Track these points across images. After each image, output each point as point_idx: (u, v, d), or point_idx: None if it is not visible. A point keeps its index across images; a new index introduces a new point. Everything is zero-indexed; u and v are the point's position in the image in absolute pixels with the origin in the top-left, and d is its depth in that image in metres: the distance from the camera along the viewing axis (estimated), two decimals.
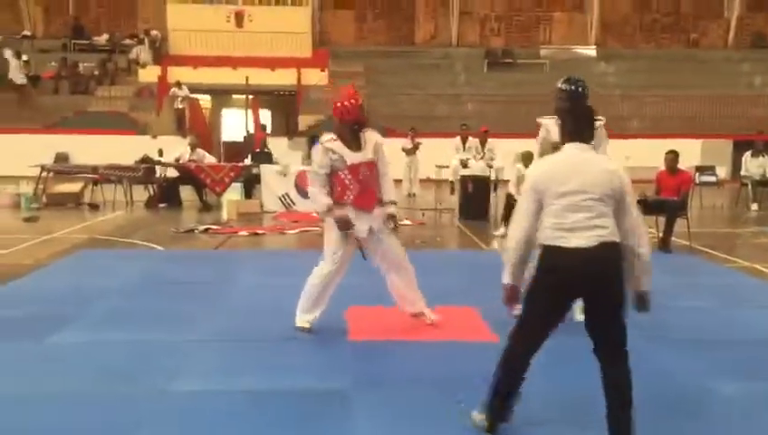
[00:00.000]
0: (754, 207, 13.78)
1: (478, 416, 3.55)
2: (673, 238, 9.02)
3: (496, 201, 12.06)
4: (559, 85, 4.85)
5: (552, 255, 3.28)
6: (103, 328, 5.37)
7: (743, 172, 14.50)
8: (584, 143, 3.44)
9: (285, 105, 24.14)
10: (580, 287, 3.30)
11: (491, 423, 3.49)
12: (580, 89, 4.82)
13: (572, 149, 3.41)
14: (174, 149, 14.56)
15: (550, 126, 5.39)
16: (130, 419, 3.72)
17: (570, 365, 4.21)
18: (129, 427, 3.62)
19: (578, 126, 3.47)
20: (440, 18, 26.48)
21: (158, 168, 14.10)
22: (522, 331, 3.43)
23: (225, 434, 3.57)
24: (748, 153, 14.55)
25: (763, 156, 14.30)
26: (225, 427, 3.64)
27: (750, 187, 14.07)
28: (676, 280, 7.30)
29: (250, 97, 20.30)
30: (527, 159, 10.29)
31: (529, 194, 3.36)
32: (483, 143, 14.10)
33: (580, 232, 3.22)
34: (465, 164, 13.58)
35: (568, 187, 3.27)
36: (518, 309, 3.48)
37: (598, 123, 6.33)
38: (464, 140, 14.66)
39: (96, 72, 23.21)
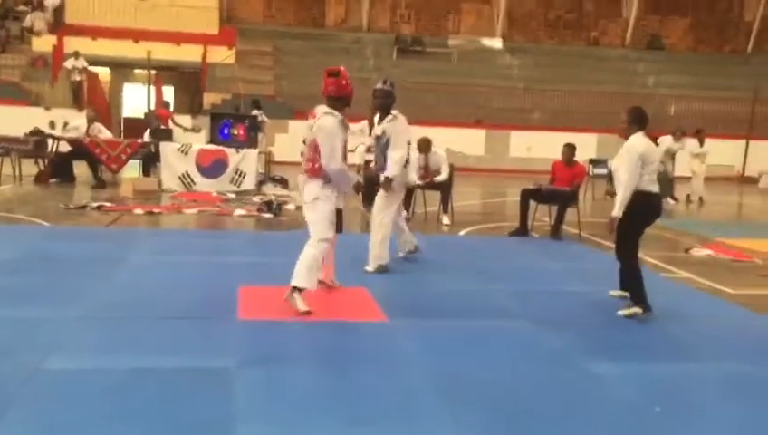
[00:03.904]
0: None
1: (630, 310, 5.53)
2: (564, 227, 9.38)
3: None
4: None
5: (649, 196, 5.54)
6: None
7: None
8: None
9: (189, 82, 23.49)
10: (656, 214, 5.71)
11: (646, 305, 5.51)
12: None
13: (644, 137, 5.63)
14: (69, 122, 13.94)
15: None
16: (0, 398, 3.55)
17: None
18: None
19: (644, 122, 5.66)
20: (351, 2, 26.38)
21: (49, 141, 13.46)
22: (633, 245, 5.65)
23: (100, 413, 3.45)
24: None
25: None
26: (100, 405, 3.52)
27: None
28: (563, 265, 7.61)
29: (153, 72, 19.63)
30: (423, 145, 10.37)
31: (638, 161, 5.42)
32: None
33: (655, 184, 5.60)
34: (369, 150, 13.59)
35: (653, 158, 5.62)
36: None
37: (391, 115, 6.63)
38: (371, 127, 14.66)
39: None
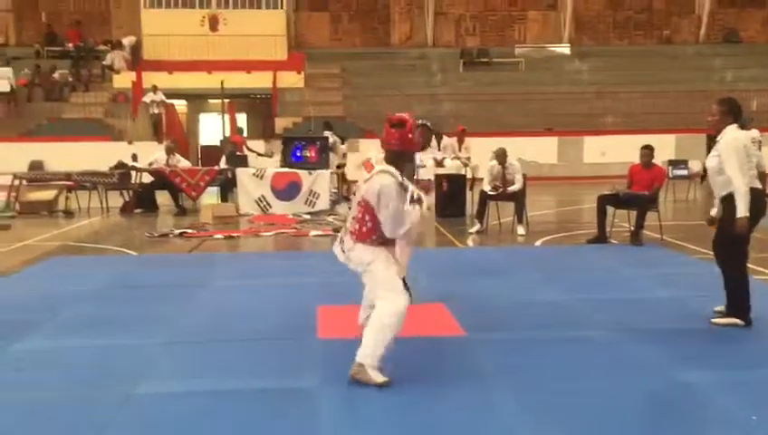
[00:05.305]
0: None
1: (727, 319, 5.24)
2: (645, 232, 9.12)
3: (472, 199, 12.10)
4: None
5: (756, 193, 5.08)
6: (70, 334, 5.33)
7: None
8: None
9: (261, 108, 24.07)
10: (764, 212, 5.22)
11: (748, 319, 5.20)
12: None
13: (739, 129, 5.25)
14: (150, 154, 14.50)
15: None
16: (95, 423, 3.70)
17: None
18: (94, 432, 3.60)
19: (739, 113, 5.23)
20: (415, 19, 26.52)
21: (133, 173, 14.03)
22: (741, 249, 5.22)
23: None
24: None
25: None
26: (189, 428, 3.64)
27: None
28: (646, 272, 7.38)
29: (226, 101, 20.22)
30: (501, 155, 10.39)
31: (745, 153, 5.03)
32: (460, 142, 14.19)
33: (758, 181, 5.21)
34: (440, 163, 13.61)
35: (752, 152, 5.20)
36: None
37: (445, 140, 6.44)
38: (438, 140, 14.71)
39: (70, 79, 23.03)
